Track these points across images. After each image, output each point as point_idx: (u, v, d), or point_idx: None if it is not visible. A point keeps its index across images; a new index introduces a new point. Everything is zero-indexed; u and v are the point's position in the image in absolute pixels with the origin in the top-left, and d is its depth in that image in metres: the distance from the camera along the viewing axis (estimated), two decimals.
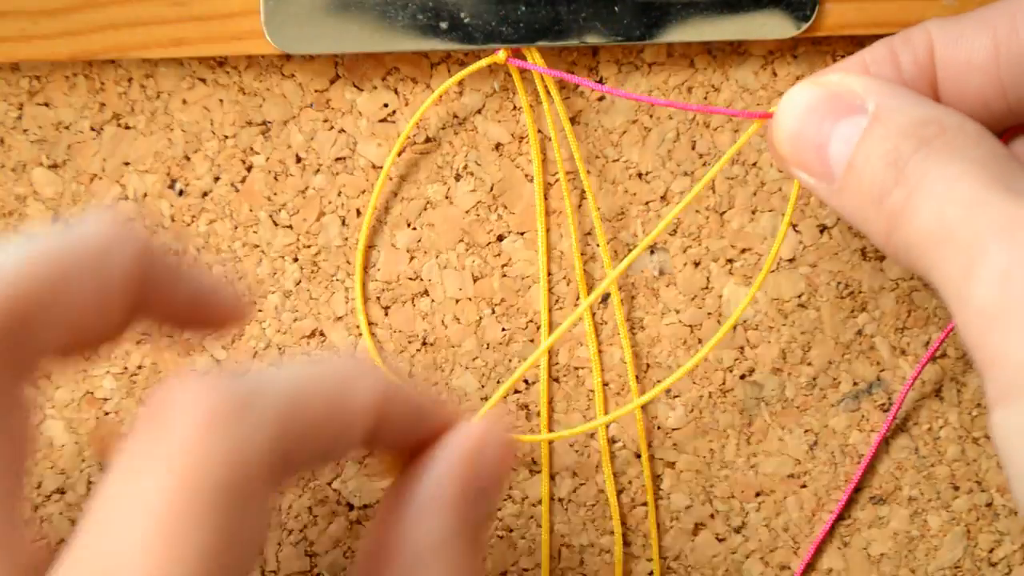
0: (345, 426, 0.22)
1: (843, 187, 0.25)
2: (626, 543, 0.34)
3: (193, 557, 0.19)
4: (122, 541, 0.19)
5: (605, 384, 0.33)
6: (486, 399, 0.34)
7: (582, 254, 0.33)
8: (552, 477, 0.34)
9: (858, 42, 0.32)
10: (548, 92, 0.32)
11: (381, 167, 0.33)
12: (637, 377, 0.34)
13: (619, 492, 0.34)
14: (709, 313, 0.33)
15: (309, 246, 0.33)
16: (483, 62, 0.31)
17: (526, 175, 0.33)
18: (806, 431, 0.34)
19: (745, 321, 0.33)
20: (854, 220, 0.26)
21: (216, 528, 0.19)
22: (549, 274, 0.33)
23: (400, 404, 0.24)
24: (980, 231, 0.22)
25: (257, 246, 0.33)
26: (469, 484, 0.24)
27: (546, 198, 0.33)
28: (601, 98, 0.33)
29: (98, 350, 0.24)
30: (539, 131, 0.33)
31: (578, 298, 0.33)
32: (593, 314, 0.33)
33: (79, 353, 0.23)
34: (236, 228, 0.33)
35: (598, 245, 0.33)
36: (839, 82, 0.26)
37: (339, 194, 0.33)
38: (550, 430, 0.34)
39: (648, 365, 0.34)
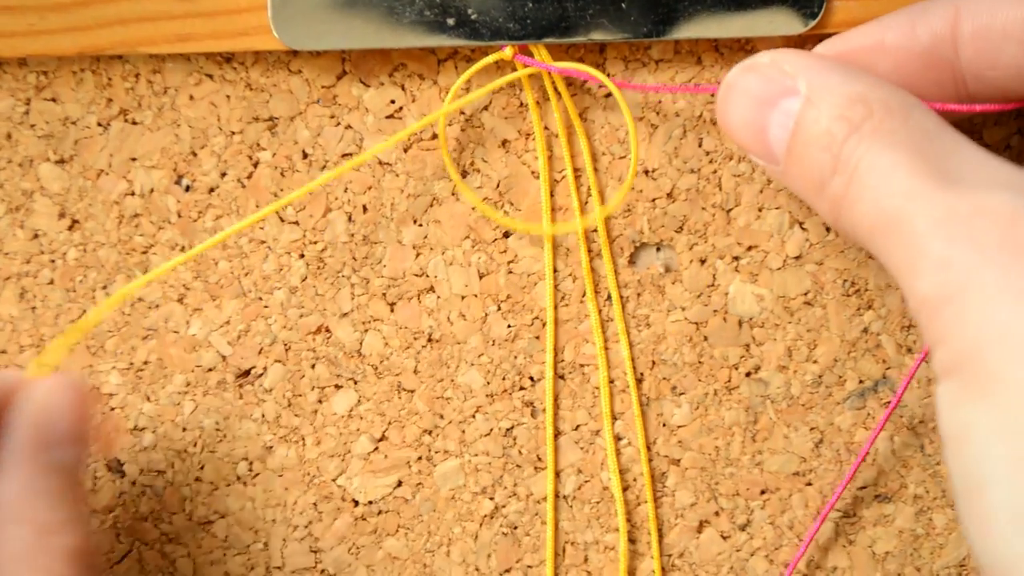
0: None
1: (786, 171, 0.27)
2: (631, 540, 0.34)
3: None
4: None
5: (611, 381, 0.34)
6: (492, 396, 0.34)
7: (588, 251, 0.33)
8: (557, 474, 0.34)
9: None
10: (556, 89, 0.32)
11: (388, 163, 0.33)
12: (642, 374, 0.34)
13: (624, 489, 0.34)
14: (715, 310, 0.33)
15: (315, 242, 0.33)
16: (489, 59, 0.31)
17: (532, 172, 0.33)
18: (812, 429, 0.34)
19: (751, 319, 0.33)
20: (804, 200, 0.27)
21: None
22: (555, 271, 0.33)
23: None
24: (919, 225, 0.23)
25: (263, 242, 0.33)
26: (43, 441, 0.27)
27: (552, 195, 0.33)
28: (608, 95, 0.33)
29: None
30: (546, 128, 0.33)
31: (584, 295, 0.33)
32: (600, 311, 0.33)
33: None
34: None
35: (614, 241, 0.33)
36: (771, 64, 0.27)
37: (345, 190, 0.33)
38: (555, 428, 0.34)
39: (654, 362, 0.34)
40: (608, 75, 0.33)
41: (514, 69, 0.32)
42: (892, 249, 0.24)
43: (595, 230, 0.33)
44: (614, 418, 0.34)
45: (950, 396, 0.23)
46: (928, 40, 0.28)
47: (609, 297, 0.33)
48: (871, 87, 0.26)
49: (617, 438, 0.34)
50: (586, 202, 0.33)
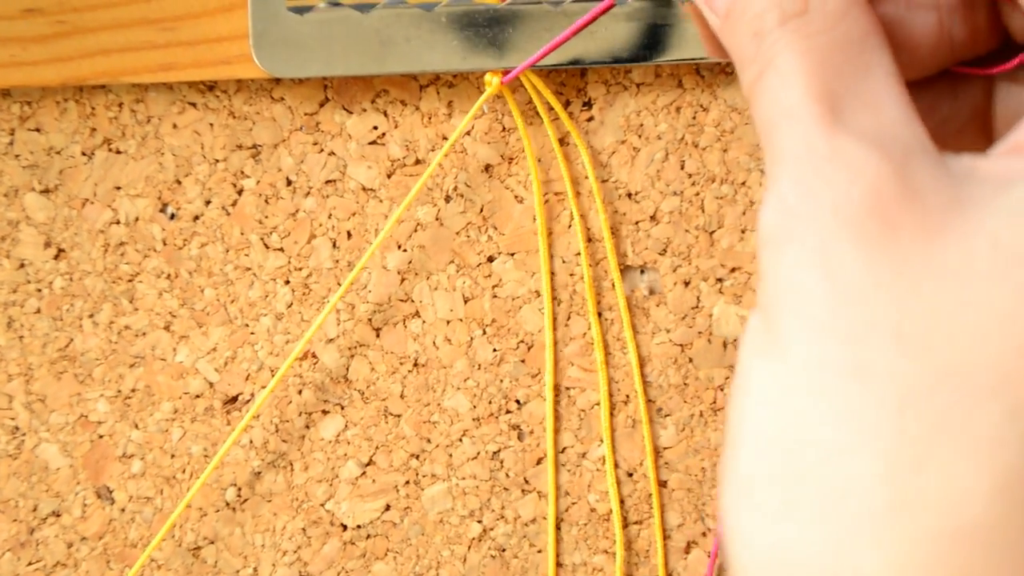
0: None
1: (722, 31, 0.25)
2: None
3: None
4: None
5: (597, 404, 0.34)
6: (478, 420, 0.34)
7: (572, 275, 0.33)
8: (542, 497, 0.34)
9: None
10: (538, 114, 0.32)
11: (372, 190, 0.33)
12: (628, 396, 0.34)
13: (611, 511, 0.34)
14: (700, 332, 0.33)
15: (300, 268, 0.33)
16: (485, 95, 0.32)
17: (516, 196, 0.33)
18: None
19: (736, 340, 0.33)
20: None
21: None
22: (538, 294, 0.33)
23: None
24: (782, 151, 0.22)
25: (249, 269, 0.33)
26: None
27: (534, 219, 0.33)
28: (590, 119, 0.33)
29: None
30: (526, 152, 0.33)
31: (569, 318, 0.33)
32: (584, 334, 0.33)
33: None
34: (228, 251, 0.33)
35: (598, 264, 0.33)
36: None
37: (329, 216, 0.33)
38: (542, 451, 0.34)
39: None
40: (590, 99, 0.33)
41: (498, 95, 0.32)
42: (765, 164, 0.23)
43: (578, 254, 0.33)
44: (612, 439, 0.34)
45: (752, 328, 0.22)
46: None
47: (600, 315, 0.33)
48: None
49: (603, 460, 0.34)
50: (569, 225, 0.33)
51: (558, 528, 0.34)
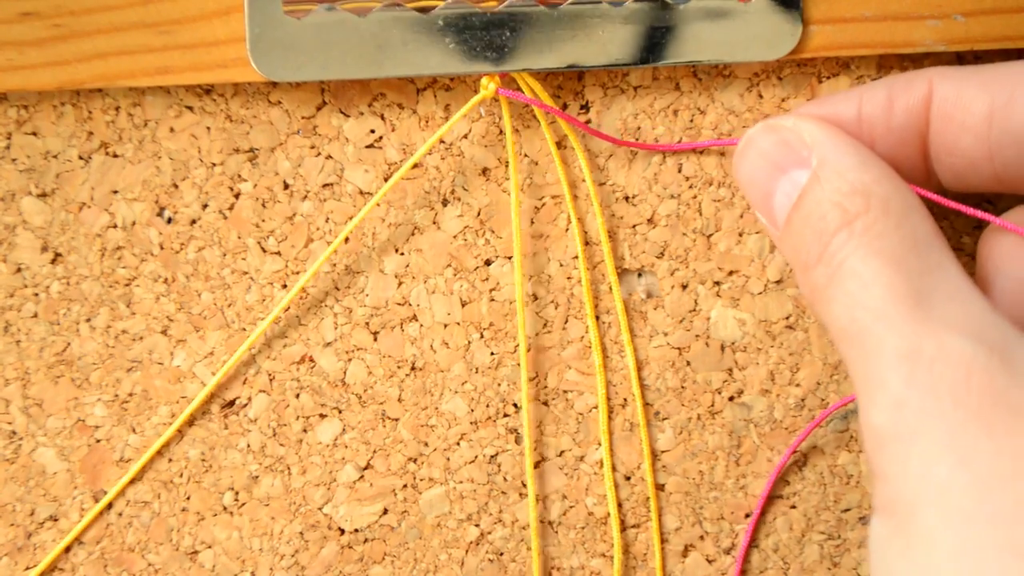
0: None
1: (782, 240, 0.26)
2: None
3: None
4: None
5: (594, 407, 0.34)
6: (476, 423, 0.34)
7: (569, 278, 0.33)
8: (540, 500, 0.34)
9: (843, 64, 0.32)
10: (535, 117, 0.32)
11: (369, 193, 0.33)
12: (625, 400, 0.34)
13: (608, 514, 0.34)
14: (697, 335, 0.33)
15: (298, 272, 0.33)
16: (475, 99, 0.32)
17: None
18: (795, 452, 0.34)
19: (733, 343, 0.33)
20: (793, 270, 0.27)
21: None
22: (536, 297, 0.33)
23: None
24: (883, 354, 0.23)
25: (246, 273, 0.33)
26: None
27: (532, 223, 0.33)
28: (587, 122, 0.33)
29: None
30: (525, 155, 0.33)
31: (567, 321, 0.33)
32: (582, 337, 0.33)
33: None
34: (224, 255, 0.33)
35: (595, 267, 0.33)
36: (792, 128, 0.27)
37: (327, 220, 0.33)
38: (539, 454, 0.34)
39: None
40: (587, 102, 0.33)
41: (494, 98, 0.32)
42: (855, 362, 0.24)
43: (575, 257, 0.33)
44: (610, 442, 0.34)
45: (881, 536, 0.22)
46: (904, 117, 0.27)
47: (597, 318, 0.33)
48: (877, 180, 0.25)
49: (601, 464, 0.34)
50: (566, 229, 0.33)
51: (555, 532, 0.34)
